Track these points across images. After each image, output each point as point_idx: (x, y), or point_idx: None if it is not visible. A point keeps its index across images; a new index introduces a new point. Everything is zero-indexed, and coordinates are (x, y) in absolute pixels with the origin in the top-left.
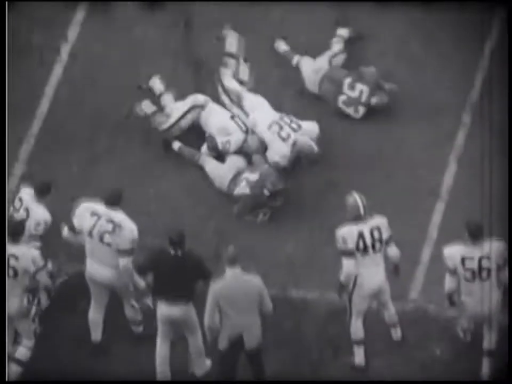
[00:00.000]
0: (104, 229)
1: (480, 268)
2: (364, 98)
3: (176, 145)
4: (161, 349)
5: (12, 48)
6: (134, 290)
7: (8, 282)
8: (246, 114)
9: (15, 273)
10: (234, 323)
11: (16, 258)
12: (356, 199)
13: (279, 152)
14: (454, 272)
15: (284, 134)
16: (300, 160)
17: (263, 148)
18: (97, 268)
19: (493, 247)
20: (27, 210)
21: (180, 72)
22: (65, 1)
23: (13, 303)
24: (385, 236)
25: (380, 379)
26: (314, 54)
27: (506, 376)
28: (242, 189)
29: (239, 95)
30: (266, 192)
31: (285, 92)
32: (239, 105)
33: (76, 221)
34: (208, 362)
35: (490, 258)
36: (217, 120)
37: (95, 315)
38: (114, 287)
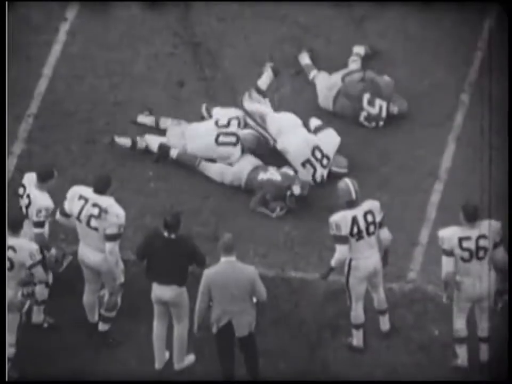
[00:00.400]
0: (91, 213)
1: (477, 247)
2: (384, 113)
3: (174, 152)
4: (157, 330)
5: (11, 27)
6: (112, 281)
7: (8, 274)
8: (273, 139)
9: (12, 266)
10: (224, 310)
11: (14, 250)
12: (347, 183)
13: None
14: (450, 253)
15: (318, 178)
16: None
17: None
18: (88, 252)
19: (488, 226)
20: (29, 196)
21: (178, 53)
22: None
23: (10, 296)
24: (378, 218)
25: (378, 360)
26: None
27: (506, 377)
28: (271, 175)
29: (263, 117)
30: (295, 189)
31: (285, 70)
32: (264, 128)
33: (66, 205)
34: (189, 358)
35: (488, 237)
36: (206, 151)
37: (89, 298)
38: (101, 271)
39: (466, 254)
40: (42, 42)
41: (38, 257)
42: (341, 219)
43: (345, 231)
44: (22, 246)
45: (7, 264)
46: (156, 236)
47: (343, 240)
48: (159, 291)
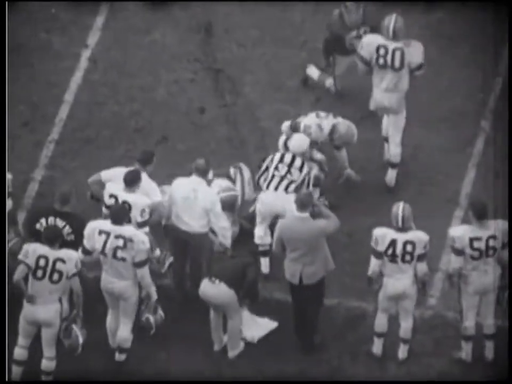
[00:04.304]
0: (116, 245)
1: (487, 247)
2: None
3: None
4: (214, 318)
5: (32, 53)
6: (145, 304)
7: (50, 287)
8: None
9: (60, 277)
10: (293, 259)
11: (63, 261)
12: (398, 209)
13: None
14: (461, 252)
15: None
16: None
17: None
18: (111, 280)
19: (498, 226)
20: (126, 202)
21: (199, 79)
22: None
23: (50, 310)
24: (418, 252)
25: None
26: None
27: (507, 377)
28: None
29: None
30: None
31: (305, 97)
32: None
33: (87, 242)
34: (241, 345)
35: (497, 238)
36: None
37: (112, 323)
38: (125, 298)
39: (476, 253)
40: (64, 69)
41: (80, 266)
42: (381, 235)
43: (381, 247)
44: (70, 256)
45: (56, 276)
46: None
47: (377, 254)
48: (207, 291)
